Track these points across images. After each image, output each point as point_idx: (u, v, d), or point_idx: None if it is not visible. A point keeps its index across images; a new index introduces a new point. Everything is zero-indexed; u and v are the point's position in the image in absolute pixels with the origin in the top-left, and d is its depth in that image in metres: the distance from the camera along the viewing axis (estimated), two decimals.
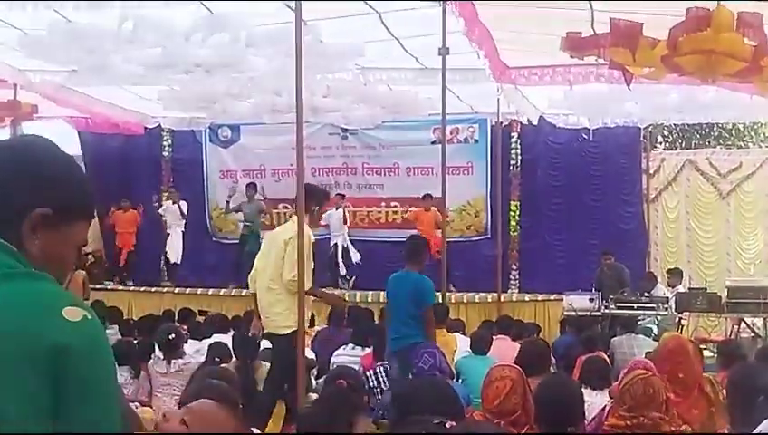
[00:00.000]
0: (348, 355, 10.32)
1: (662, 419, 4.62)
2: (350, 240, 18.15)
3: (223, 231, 19.83)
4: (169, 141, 20.21)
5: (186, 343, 10.15)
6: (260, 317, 8.84)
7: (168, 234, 18.91)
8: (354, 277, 17.72)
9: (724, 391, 4.61)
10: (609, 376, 7.60)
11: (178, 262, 18.86)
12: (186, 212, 18.75)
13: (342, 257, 17.76)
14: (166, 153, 20.28)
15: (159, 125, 19.56)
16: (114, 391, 2.08)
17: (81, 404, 1.93)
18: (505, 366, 5.24)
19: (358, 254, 17.94)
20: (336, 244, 17.80)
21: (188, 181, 19.74)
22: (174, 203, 18.85)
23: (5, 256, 2.01)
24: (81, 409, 1.93)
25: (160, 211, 19.15)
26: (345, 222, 17.81)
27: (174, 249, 18.79)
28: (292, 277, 7.76)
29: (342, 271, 17.72)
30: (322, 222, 17.89)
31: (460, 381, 8.92)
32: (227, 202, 18.58)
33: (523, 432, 4.60)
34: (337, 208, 17.80)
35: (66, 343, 1.91)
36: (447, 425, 2.47)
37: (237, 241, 18.50)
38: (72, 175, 2.18)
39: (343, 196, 18.35)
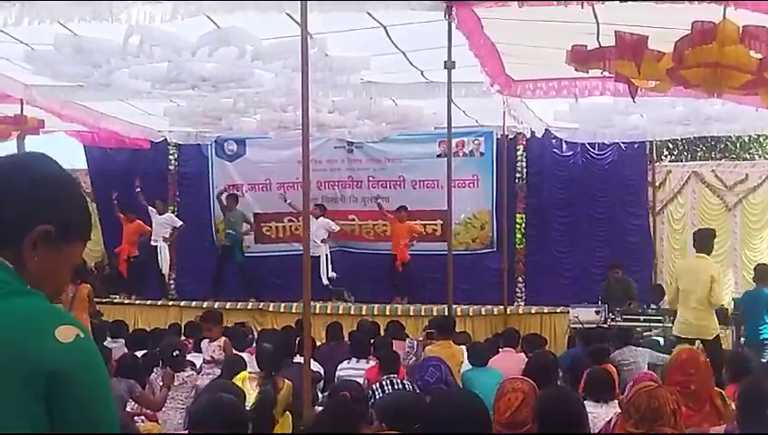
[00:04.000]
0: (352, 368, 10.32)
1: (672, 433, 4.59)
2: (355, 253, 18.14)
3: None
4: (175, 155, 20.20)
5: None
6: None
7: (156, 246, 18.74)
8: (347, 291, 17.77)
9: (734, 405, 4.59)
10: (614, 388, 7.59)
11: (167, 273, 18.84)
12: (176, 225, 18.81)
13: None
14: (172, 167, 20.27)
15: (165, 139, 19.58)
16: (112, 412, 2.07)
17: (81, 428, 1.93)
18: (517, 379, 5.24)
19: (333, 272, 17.81)
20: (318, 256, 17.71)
21: (194, 195, 19.76)
22: (160, 214, 18.73)
23: (1, 272, 2.02)
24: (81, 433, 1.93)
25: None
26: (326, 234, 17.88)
27: (165, 261, 18.78)
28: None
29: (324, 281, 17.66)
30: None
31: None
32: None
33: None
34: (316, 218, 17.68)
35: (60, 367, 1.92)
36: None
37: (264, 253, 18.63)
38: (74, 195, 2.19)
39: (323, 206, 18.20)
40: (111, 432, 2.02)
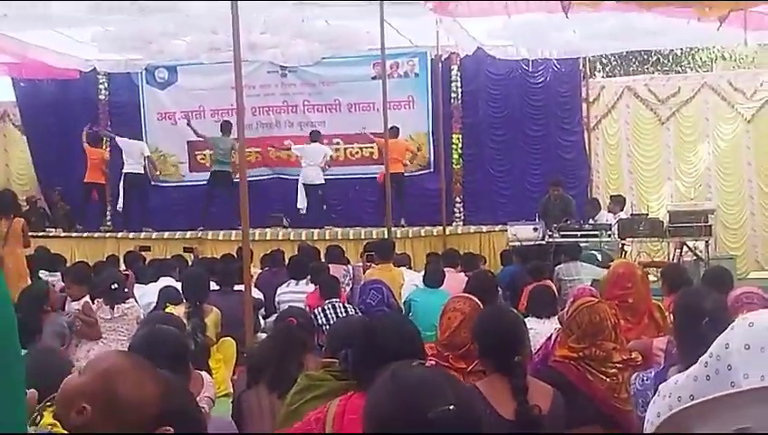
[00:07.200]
0: (291, 292, 10.35)
1: (615, 348, 4.64)
2: (290, 180, 17.91)
3: (163, 174, 19.59)
4: (105, 85, 19.84)
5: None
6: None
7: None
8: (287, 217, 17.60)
9: (671, 316, 4.64)
10: (556, 304, 7.66)
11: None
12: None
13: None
14: (102, 97, 19.91)
15: (95, 68, 19.22)
16: (14, 344, 1.98)
17: None
18: (461, 298, 5.16)
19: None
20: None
21: (126, 125, 19.41)
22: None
23: None
24: None
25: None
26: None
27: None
28: None
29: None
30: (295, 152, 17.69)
31: (409, 316, 8.95)
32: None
33: (471, 367, 4.60)
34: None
35: None
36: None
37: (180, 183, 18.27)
38: None
39: (317, 132, 17.88)
40: (17, 362, 1.94)
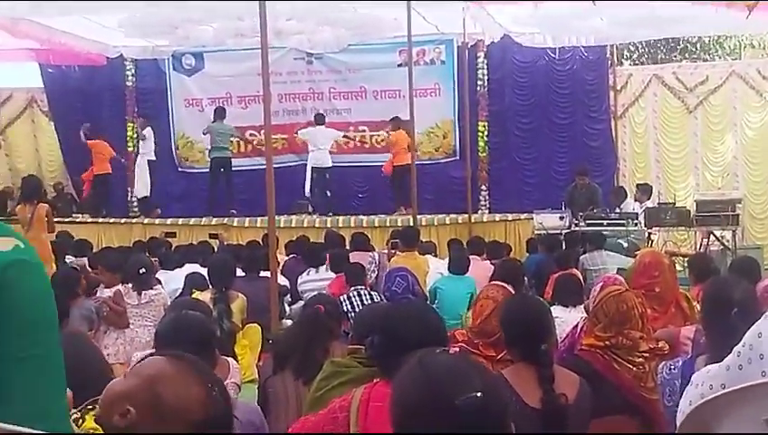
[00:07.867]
0: (312, 280, 10.35)
1: (641, 337, 4.62)
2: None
3: (189, 160, 19.68)
4: (132, 71, 19.90)
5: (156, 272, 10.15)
6: None
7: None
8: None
9: (698, 306, 4.61)
10: (582, 293, 7.62)
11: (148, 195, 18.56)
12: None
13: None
14: (129, 83, 19.97)
15: (122, 55, 19.29)
16: (51, 316, 2.04)
17: (15, 335, 1.89)
18: (495, 286, 5.13)
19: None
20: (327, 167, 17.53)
21: (153, 111, 19.51)
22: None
23: None
24: (14, 341, 1.89)
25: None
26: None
27: (143, 182, 18.53)
28: None
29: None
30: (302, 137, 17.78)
31: (434, 304, 8.94)
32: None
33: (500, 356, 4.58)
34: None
35: None
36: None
37: (207, 169, 18.29)
38: None
39: (322, 115, 17.92)
40: (52, 332, 2.01)
